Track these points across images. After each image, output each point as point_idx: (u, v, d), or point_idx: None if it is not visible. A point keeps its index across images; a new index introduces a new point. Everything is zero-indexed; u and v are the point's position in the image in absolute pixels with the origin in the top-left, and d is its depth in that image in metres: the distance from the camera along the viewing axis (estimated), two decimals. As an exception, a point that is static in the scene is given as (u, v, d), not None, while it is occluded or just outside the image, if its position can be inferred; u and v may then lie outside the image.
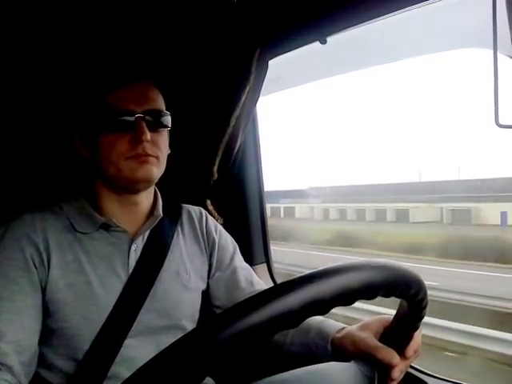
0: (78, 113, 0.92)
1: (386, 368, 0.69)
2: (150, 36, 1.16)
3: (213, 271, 1.02)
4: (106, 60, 1.13)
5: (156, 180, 0.91)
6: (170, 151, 0.95)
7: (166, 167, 0.93)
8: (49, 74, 1.18)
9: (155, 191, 0.99)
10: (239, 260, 1.06)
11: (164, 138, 0.91)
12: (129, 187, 0.90)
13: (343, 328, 0.83)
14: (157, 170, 0.89)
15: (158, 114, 0.90)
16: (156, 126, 0.89)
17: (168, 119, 0.92)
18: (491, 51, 0.65)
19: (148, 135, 0.85)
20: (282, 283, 0.47)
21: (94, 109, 0.88)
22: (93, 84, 0.91)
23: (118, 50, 1.17)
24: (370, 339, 0.74)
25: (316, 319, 0.88)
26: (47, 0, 1.03)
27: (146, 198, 0.95)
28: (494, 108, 0.64)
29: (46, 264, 0.84)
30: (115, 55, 1.16)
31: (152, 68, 1.01)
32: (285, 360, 0.90)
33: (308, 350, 0.86)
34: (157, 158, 0.88)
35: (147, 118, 0.87)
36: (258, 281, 1.04)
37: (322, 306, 0.46)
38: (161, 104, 0.92)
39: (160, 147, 0.89)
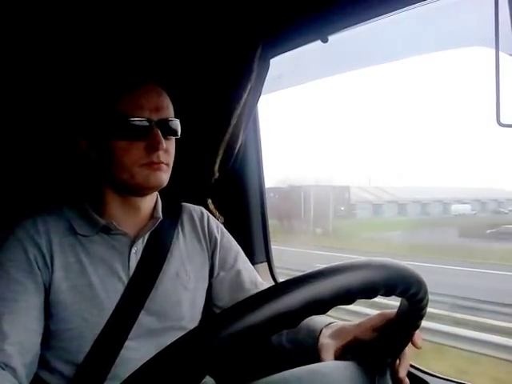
0: (87, 117, 0.92)
1: (384, 366, 0.69)
2: (155, 36, 1.16)
3: (216, 271, 1.02)
4: (115, 64, 1.14)
5: (164, 185, 0.91)
6: None
7: None
8: (56, 78, 1.18)
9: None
10: (243, 261, 1.05)
11: (173, 145, 0.92)
12: (138, 192, 0.91)
13: (331, 323, 0.83)
14: (166, 176, 0.90)
15: (171, 122, 0.90)
16: (168, 133, 0.89)
17: (178, 127, 0.92)
18: (493, 50, 0.64)
19: (164, 143, 0.86)
20: (282, 282, 0.46)
21: (107, 114, 0.87)
22: (104, 88, 0.91)
23: (123, 53, 1.17)
24: (352, 326, 0.76)
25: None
26: (60, 5, 1.03)
27: (149, 201, 0.96)
28: (495, 107, 0.64)
29: (49, 265, 0.84)
30: (120, 58, 1.16)
31: (159, 68, 1.00)
32: (282, 359, 0.89)
33: (300, 348, 0.86)
34: (167, 164, 0.89)
35: (161, 126, 0.88)
36: (262, 282, 1.04)
37: (322, 305, 0.46)
38: (172, 112, 0.92)
39: (170, 154, 0.91)
